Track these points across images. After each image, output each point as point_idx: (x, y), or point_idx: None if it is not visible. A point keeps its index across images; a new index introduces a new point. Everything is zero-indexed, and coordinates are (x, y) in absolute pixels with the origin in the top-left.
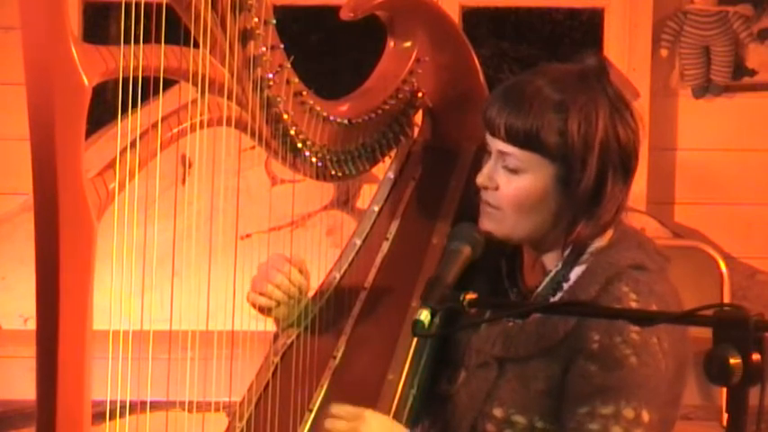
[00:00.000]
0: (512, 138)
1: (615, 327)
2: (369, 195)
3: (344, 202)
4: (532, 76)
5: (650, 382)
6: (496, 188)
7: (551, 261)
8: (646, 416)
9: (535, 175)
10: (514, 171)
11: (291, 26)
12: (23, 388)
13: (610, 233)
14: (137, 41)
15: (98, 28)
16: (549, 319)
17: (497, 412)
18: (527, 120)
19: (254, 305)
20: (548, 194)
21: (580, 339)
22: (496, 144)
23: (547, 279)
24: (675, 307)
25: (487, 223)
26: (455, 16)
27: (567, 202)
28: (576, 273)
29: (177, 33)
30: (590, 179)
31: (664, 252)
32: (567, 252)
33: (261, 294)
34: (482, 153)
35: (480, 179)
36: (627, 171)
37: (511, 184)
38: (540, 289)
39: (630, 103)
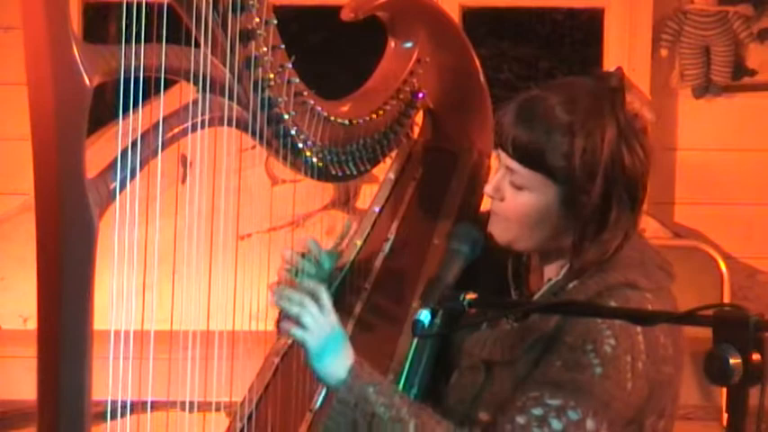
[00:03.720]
0: (518, 155)
1: (591, 335)
2: (369, 195)
3: (344, 202)
4: (547, 92)
5: (606, 396)
6: (502, 199)
7: (553, 271)
8: (590, 424)
9: (539, 194)
10: (519, 188)
11: (291, 26)
12: (23, 388)
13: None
14: (137, 41)
15: (98, 28)
16: (530, 322)
17: (483, 416)
18: (533, 140)
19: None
20: (551, 213)
21: (555, 340)
22: (504, 159)
23: (545, 288)
24: (667, 328)
25: (494, 228)
26: (455, 16)
27: (571, 222)
28: (572, 284)
29: (178, 33)
30: (593, 204)
31: (669, 268)
32: (568, 266)
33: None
34: (482, 154)
35: (488, 189)
36: (633, 200)
37: (515, 198)
38: (537, 296)
39: (641, 132)
